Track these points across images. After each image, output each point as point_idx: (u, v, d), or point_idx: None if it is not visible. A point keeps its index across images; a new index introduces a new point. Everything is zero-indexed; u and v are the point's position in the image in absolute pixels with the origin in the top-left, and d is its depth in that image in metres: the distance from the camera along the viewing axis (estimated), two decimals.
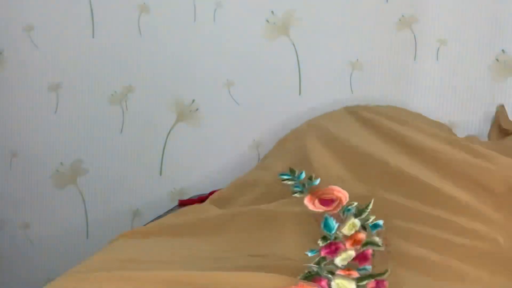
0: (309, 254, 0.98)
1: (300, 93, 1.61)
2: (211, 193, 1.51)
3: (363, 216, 1.06)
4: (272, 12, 1.60)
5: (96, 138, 1.70)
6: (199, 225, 1.13)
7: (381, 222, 1.04)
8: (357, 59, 1.58)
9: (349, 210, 1.08)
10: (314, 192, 1.14)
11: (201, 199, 1.52)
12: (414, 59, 1.55)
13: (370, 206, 1.08)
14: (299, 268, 0.92)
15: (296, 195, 1.16)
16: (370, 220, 1.05)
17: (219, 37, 1.62)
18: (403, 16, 1.55)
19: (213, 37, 1.62)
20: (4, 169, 1.75)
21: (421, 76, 1.56)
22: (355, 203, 1.10)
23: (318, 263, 0.95)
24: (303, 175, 1.21)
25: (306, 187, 1.17)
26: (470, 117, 1.53)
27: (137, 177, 1.70)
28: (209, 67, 1.63)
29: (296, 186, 1.19)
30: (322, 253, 0.98)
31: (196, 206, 1.27)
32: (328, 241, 1.01)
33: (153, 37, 1.65)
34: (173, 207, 1.54)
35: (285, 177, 1.23)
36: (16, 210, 1.76)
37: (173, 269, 0.90)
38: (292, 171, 1.23)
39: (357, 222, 1.05)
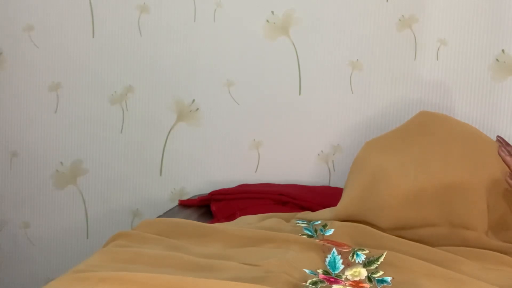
0: (307, 272, 0.95)
1: (300, 93, 1.61)
2: (211, 193, 1.51)
3: (372, 267, 0.99)
4: (272, 12, 1.60)
5: (96, 138, 1.70)
6: (202, 230, 1.10)
7: (388, 279, 0.96)
8: (357, 59, 1.58)
9: (358, 256, 1.01)
10: (325, 239, 1.08)
11: (201, 199, 1.53)
12: (414, 59, 1.55)
13: (381, 259, 1.00)
14: (294, 283, 0.89)
15: (304, 236, 1.09)
16: (378, 275, 0.97)
17: (219, 37, 1.62)
18: (403, 16, 1.55)
19: (213, 37, 1.62)
20: (4, 169, 1.75)
21: (421, 76, 1.56)
22: (367, 250, 1.02)
23: (314, 284, 0.92)
24: (318, 222, 1.15)
25: (318, 234, 1.10)
26: (470, 117, 1.52)
27: (137, 177, 1.70)
28: (209, 67, 1.63)
29: (306, 229, 1.12)
30: (321, 277, 0.94)
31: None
32: (329, 275, 0.96)
33: (153, 37, 1.65)
34: (173, 207, 1.54)
35: (300, 222, 1.17)
36: (16, 210, 1.76)
37: (172, 272, 0.89)
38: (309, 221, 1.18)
39: (363, 271, 0.98)
